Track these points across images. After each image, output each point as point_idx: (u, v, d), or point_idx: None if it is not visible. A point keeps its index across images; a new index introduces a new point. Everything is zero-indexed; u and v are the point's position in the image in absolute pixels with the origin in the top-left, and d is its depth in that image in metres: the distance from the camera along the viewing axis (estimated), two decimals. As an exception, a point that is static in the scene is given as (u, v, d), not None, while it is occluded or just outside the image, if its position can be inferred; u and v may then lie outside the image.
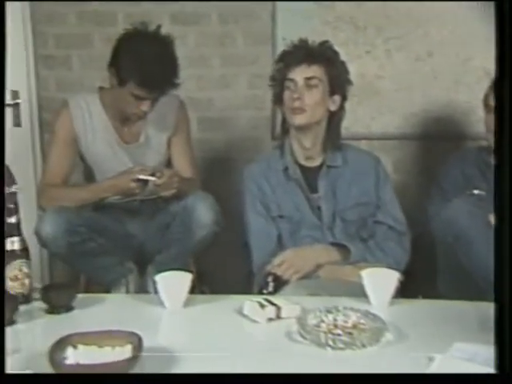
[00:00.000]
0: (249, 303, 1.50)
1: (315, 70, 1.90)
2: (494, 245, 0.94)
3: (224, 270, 2.45)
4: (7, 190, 2.14)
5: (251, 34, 2.67)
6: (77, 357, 1.26)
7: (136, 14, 2.60)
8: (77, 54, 2.74)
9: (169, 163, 2.28)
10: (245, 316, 1.50)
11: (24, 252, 1.62)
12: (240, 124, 2.75)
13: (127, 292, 2.14)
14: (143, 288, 2.18)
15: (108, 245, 2.14)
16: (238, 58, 2.70)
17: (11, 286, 1.59)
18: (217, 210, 2.06)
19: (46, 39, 2.73)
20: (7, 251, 1.60)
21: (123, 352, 1.28)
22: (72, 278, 2.37)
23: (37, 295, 1.61)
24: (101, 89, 2.23)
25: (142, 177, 2.01)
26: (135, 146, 2.23)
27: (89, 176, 2.28)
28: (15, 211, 1.62)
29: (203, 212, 2.03)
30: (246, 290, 1.95)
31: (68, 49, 2.73)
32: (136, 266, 2.22)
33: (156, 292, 2.11)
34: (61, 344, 1.28)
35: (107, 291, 2.13)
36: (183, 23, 2.67)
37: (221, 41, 2.69)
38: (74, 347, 1.28)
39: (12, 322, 1.49)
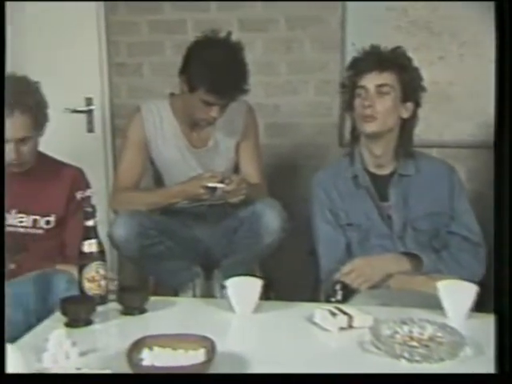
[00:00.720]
0: (320, 311, 1.50)
1: (387, 77, 1.88)
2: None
3: (289, 276, 2.45)
4: (82, 193, 2.24)
5: (319, 39, 2.67)
6: (152, 358, 1.29)
7: (205, 21, 2.65)
8: (148, 61, 2.81)
9: (236, 168, 2.31)
10: (315, 324, 1.50)
11: (101, 254, 1.68)
12: (306, 130, 2.76)
13: (194, 296, 2.18)
14: (209, 292, 2.21)
15: (176, 248, 2.18)
16: (305, 64, 2.70)
17: (88, 287, 1.65)
18: (284, 217, 2.07)
19: (119, 48, 2.82)
20: (85, 253, 1.66)
21: (196, 356, 1.30)
22: (139, 281, 2.42)
23: (112, 297, 1.67)
24: (171, 95, 2.29)
25: (211, 184, 2.04)
26: (204, 150, 2.27)
27: (158, 180, 2.34)
28: (92, 214, 1.68)
29: (271, 218, 2.04)
30: (312, 298, 1.95)
31: (140, 56, 2.82)
32: (202, 271, 2.27)
33: (222, 296, 2.15)
34: (137, 345, 1.32)
35: (175, 294, 2.17)
36: (251, 30, 2.71)
37: (288, 47, 2.71)
38: (150, 349, 1.32)
39: (89, 322, 1.55)
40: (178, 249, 2.19)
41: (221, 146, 2.27)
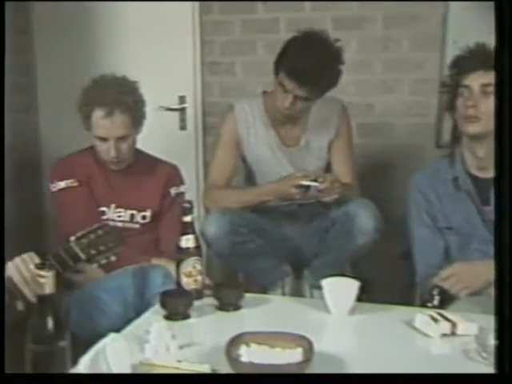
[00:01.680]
0: (421, 316, 1.46)
1: (492, 77, 1.81)
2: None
3: (380, 279, 2.41)
4: (177, 189, 2.30)
5: (417, 37, 2.61)
6: (250, 355, 1.31)
7: (298, 20, 2.65)
8: (240, 60, 2.85)
9: (328, 168, 2.30)
10: (415, 329, 1.47)
11: (197, 250, 1.71)
12: (400, 130, 2.70)
13: (283, 294, 2.19)
14: (298, 292, 2.21)
15: (266, 247, 2.20)
16: (401, 62, 2.65)
17: (186, 282, 1.69)
18: (378, 218, 2.04)
19: (213, 47, 2.87)
20: (182, 248, 1.70)
21: (294, 355, 1.30)
22: (228, 278, 2.46)
23: (208, 292, 1.70)
24: (264, 93, 2.31)
25: (304, 182, 2.03)
26: (295, 149, 2.27)
27: (249, 178, 2.36)
28: (190, 210, 1.72)
29: (365, 219, 2.02)
30: (404, 301, 1.91)
31: (232, 56, 2.85)
32: (292, 270, 2.27)
33: (312, 296, 2.15)
34: (235, 341, 1.34)
35: (263, 292, 2.19)
36: (345, 28, 2.68)
37: (385, 45, 2.66)
38: (247, 345, 1.33)
39: (187, 316, 1.59)
40: (269, 247, 2.21)
41: (313, 145, 2.27)
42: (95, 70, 2.30)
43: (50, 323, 1.17)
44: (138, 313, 1.83)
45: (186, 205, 1.71)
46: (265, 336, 1.36)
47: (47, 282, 1.17)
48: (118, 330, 1.74)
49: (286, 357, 1.29)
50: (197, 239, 1.72)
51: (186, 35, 2.86)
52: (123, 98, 2.09)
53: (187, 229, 1.71)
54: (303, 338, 1.34)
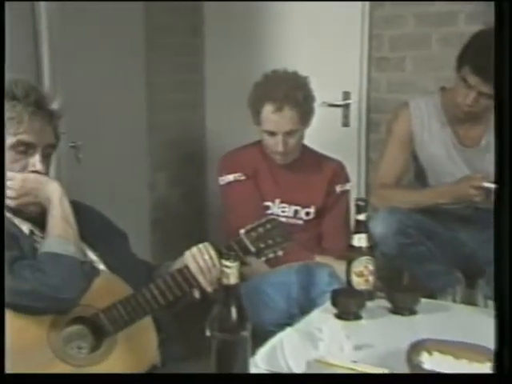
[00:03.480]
0: None
1: None
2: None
3: None
4: (342, 187, 2.28)
5: None
6: (433, 363, 1.25)
7: (478, 13, 2.50)
8: (411, 55, 2.75)
9: None
10: None
11: (369, 249, 1.67)
12: None
13: (453, 302, 2.07)
14: (471, 301, 2.08)
15: (437, 251, 2.11)
16: None
17: (356, 282, 1.66)
18: None
19: (382, 42, 2.80)
20: (354, 247, 1.67)
21: (482, 369, 1.22)
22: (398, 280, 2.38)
23: (380, 294, 1.66)
24: (442, 89, 2.21)
25: (486, 184, 1.92)
26: (474, 150, 2.15)
27: (420, 177, 2.28)
28: (364, 208, 1.68)
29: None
30: None
31: (403, 50, 2.76)
32: (464, 277, 2.15)
33: (486, 306, 2.01)
34: (416, 347, 1.28)
35: (431, 297, 2.09)
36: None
37: None
38: (429, 353, 1.27)
39: (359, 317, 1.56)
40: (439, 251, 2.11)
41: (494, 145, 2.12)
42: (262, 67, 2.34)
43: (234, 313, 1.19)
44: (301, 309, 1.84)
45: (360, 203, 1.68)
46: (450, 345, 1.29)
47: (232, 272, 1.19)
48: (280, 324, 1.77)
49: (472, 370, 1.22)
50: (369, 238, 1.68)
51: (355, 31, 2.81)
52: (293, 93, 2.11)
53: (360, 227, 1.68)
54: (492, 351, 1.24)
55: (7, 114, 1.41)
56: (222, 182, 2.24)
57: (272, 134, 2.14)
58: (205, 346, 1.19)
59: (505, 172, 0.99)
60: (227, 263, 1.18)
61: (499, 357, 0.94)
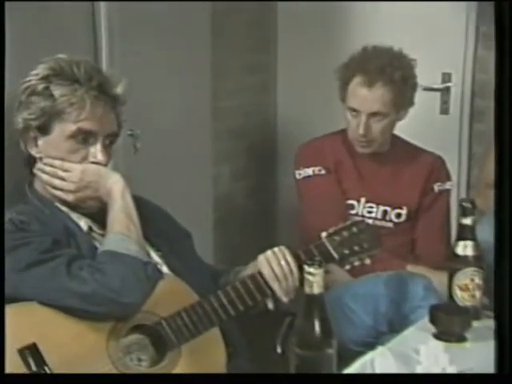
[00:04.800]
0: None
1: None
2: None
3: None
4: (441, 186, 2.25)
5: None
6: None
7: None
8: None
9: None
10: None
11: (477, 259, 1.64)
12: None
13: None
14: None
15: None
16: None
17: (460, 297, 1.63)
18: None
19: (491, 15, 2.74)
20: (459, 256, 1.65)
21: None
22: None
23: (489, 313, 1.63)
24: None
25: None
26: None
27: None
28: (471, 211, 1.65)
29: None
30: None
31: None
32: None
33: None
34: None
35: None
36: None
37: None
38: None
39: (462, 339, 1.53)
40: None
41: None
42: (345, 45, 2.33)
43: (318, 327, 1.20)
44: (391, 327, 1.83)
45: (466, 204, 1.65)
46: None
47: (317, 280, 1.20)
48: (365, 343, 1.78)
49: None
50: (477, 247, 1.65)
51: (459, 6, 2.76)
52: (390, 69, 2.09)
53: (466, 233, 1.65)
54: None
55: (66, 99, 1.47)
56: (298, 176, 2.25)
57: (356, 113, 2.13)
58: (275, 361, 1.20)
59: (505, 172, 1.08)
60: (311, 270, 1.20)
61: (499, 357, 1.02)
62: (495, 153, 1.09)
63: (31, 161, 1.57)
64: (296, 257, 1.56)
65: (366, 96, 2.10)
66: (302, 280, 1.40)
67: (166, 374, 1.42)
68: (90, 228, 1.53)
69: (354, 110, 2.12)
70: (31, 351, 1.31)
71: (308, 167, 2.22)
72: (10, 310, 1.29)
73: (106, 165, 1.53)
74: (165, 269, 1.57)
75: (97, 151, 1.51)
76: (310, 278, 1.20)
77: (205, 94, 2.74)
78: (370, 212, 2.22)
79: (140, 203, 1.56)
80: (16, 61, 1.49)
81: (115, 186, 1.50)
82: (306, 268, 1.20)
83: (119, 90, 1.55)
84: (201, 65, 2.69)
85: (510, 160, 1.06)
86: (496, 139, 1.08)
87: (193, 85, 2.65)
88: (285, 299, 1.55)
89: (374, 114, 2.11)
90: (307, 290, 1.21)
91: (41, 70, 1.51)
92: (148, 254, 1.51)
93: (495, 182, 1.11)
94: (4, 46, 1.38)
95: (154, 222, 1.61)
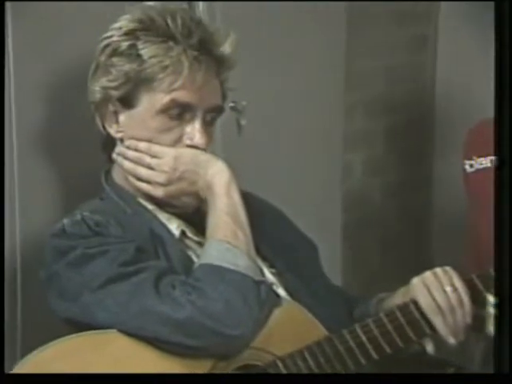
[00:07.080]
0: None
1: None
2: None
3: None
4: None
5: None
6: None
7: None
8: None
9: None
10: None
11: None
12: None
13: None
14: None
15: None
16: None
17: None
18: None
19: None
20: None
21: None
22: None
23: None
24: None
25: None
26: None
27: None
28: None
29: None
30: None
31: None
32: None
33: None
34: None
35: None
36: None
37: None
38: None
39: None
40: None
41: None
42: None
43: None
44: None
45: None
46: None
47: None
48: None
49: None
50: None
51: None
52: None
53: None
54: None
55: (158, 61, 1.44)
56: (469, 169, 2.24)
57: None
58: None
59: (505, 171, 1.26)
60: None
61: (499, 357, 1.22)
62: (495, 153, 1.27)
63: (109, 143, 1.57)
64: (468, 282, 1.51)
65: None
66: (476, 316, 1.38)
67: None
68: (184, 233, 1.52)
69: None
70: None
71: (484, 156, 2.19)
72: (81, 340, 1.31)
73: (205, 149, 1.51)
74: (281, 291, 1.55)
75: (195, 131, 1.49)
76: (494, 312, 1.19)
77: (338, 55, 2.69)
78: None
79: (250, 202, 1.53)
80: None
81: (218, 179, 1.48)
82: (489, 299, 1.17)
83: (227, 49, 1.52)
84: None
85: (511, 160, 1.25)
86: (496, 139, 1.25)
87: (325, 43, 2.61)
88: (452, 340, 1.49)
89: None
90: (489, 329, 1.19)
91: (125, 22, 1.49)
92: (261, 271, 1.48)
93: (495, 179, 1.27)
94: (4, 46, 1.46)
95: (268, 229, 1.59)
